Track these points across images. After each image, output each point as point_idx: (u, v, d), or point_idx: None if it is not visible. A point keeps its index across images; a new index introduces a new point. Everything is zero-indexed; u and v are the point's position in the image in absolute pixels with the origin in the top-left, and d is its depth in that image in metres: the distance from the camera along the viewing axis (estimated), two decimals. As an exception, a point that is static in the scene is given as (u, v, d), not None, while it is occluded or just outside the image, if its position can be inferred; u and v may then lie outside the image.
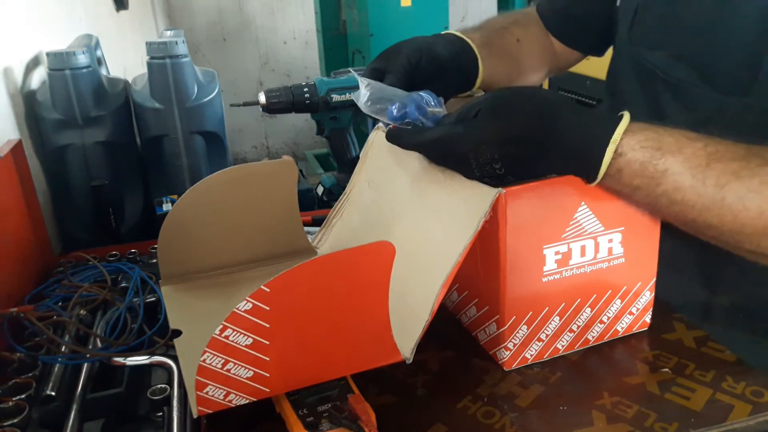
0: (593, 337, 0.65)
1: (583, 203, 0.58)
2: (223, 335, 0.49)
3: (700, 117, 0.65)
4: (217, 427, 0.56)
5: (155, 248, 0.81)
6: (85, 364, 0.59)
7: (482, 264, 0.61)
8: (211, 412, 0.51)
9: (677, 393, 0.58)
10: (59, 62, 0.89)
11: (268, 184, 0.72)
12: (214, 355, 0.49)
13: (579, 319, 0.63)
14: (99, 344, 0.63)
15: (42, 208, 0.86)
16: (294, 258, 0.75)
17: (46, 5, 1.17)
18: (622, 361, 0.64)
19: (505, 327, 0.60)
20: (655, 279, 0.65)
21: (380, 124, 0.74)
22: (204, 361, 0.49)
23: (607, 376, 0.61)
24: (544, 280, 0.60)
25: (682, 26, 0.67)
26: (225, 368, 0.50)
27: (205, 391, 0.50)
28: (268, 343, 0.51)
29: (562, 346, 0.64)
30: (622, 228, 0.61)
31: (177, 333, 0.60)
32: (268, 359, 0.51)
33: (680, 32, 0.67)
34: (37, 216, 0.83)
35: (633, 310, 0.66)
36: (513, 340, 0.61)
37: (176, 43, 0.95)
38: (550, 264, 0.60)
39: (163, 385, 0.56)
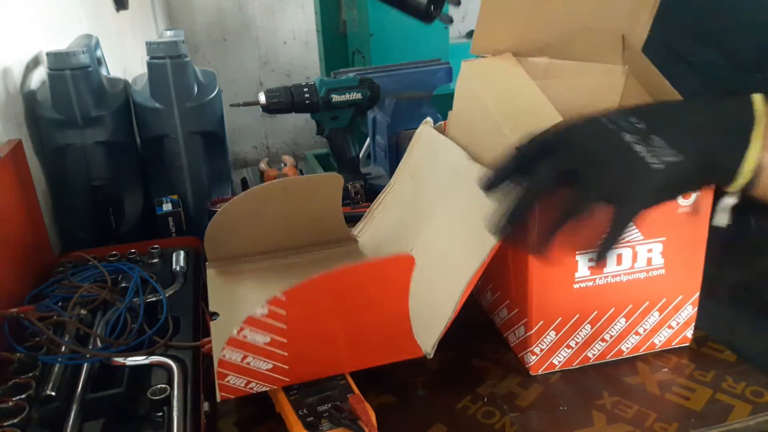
0: (627, 348, 0.63)
1: None
2: (240, 335, 0.51)
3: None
4: (216, 427, 0.57)
5: (155, 248, 0.82)
6: (85, 364, 0.59)
7: (513, 265, 0.61)
8: (233, 397, 0.54)
9: (677, 393, 0.58)
10: (59, 62, 0.88)
11: (316, 188, 0.78)
12: (233, 351, 0.52)
13: (612, 329, 0.61)
14: (99, 344, 0.63)
15: (42, 208, 0.86)
16: (335, 245, 0.80)
17: (46, 5, 1.16)
18: (621, 361, 0.64)
19: (532, 331, 0.60)
20: (698, 293, 0.63)
21: (428, 118, 0.74)
22: (224, 356, 0.51)
23: (607, 376, 0.61)
24: (576, 286, 0.58)
25: (709, 9, 0.68)
26: (244, 362, 0.52)
27: (226, 380, 0.53)
28: (285, 341, 0.53)
29: (593, 355, 0.62)
30: (664, 238, 0.59)
31: (215, 315, 0.63)
32: (286, 354, 0.53)
33: (707, 15, 0.68)
34: (37, 216, 0.83)
35: (672, 324, 0.63)
36: (540, 345, 0.60)
37: (176, 43, 0.95)
38: (582, 271, 0.58)
39: (163, 385, 0.56)
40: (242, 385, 0.53)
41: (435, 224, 0.66)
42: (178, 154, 0.98)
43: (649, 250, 0.59)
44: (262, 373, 0.53)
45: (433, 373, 0.63)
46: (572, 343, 0.61)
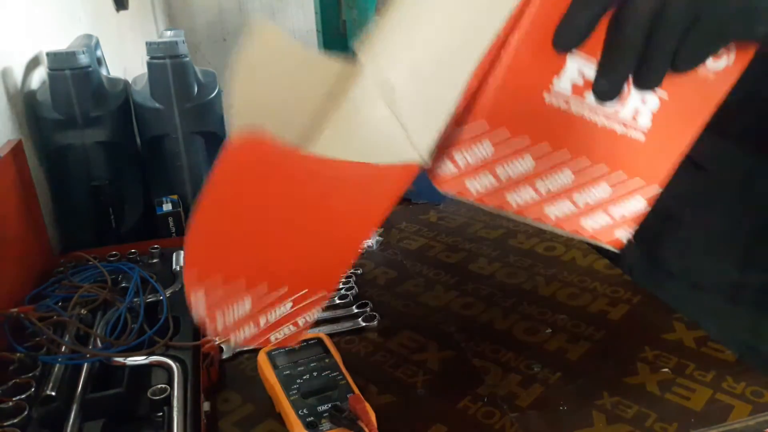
0: (555, 216, 0.48)
1: None
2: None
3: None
4: (217, 427, 0.57)
5: (155, 248, 0.82)
6: (85, 364, 0.59)
7: (496, 53, 0.45)
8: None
9: (677, 393, 0.58)
10: (59, 62, 0.89)
11: None
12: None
13: (551, 182, 0.48)
14: (99, 344, 0.63)
15: (42, 209, 0.86)
16: None
17: (46, 5, 1.17)
18: (622, 361, 0.64)
19: (466, 127, 0.45)
20: (657, 193, 0.50)
21: None
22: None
23: (607, 376, 0.61)
24: (546, 99, 0.45)
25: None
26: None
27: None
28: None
29: (516, 203, 0.48)
30: (666, 96, 0.46)
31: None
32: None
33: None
34: (37, 216, 0.83)
35: (613, 212, 0.49)
36: (465, 154, 0.46)
37: (176, 43, 0.95)
38: (564, 81, 0.45)
39: (163, 385, 0.56)
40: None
41: None
42: (178, 154, 0.98)
43: (642, 100, 0.47)
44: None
45: (433, 373, 0.63)
46: (501, 174, 0.47)
